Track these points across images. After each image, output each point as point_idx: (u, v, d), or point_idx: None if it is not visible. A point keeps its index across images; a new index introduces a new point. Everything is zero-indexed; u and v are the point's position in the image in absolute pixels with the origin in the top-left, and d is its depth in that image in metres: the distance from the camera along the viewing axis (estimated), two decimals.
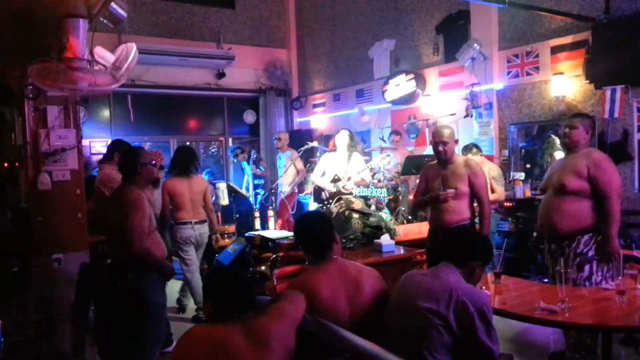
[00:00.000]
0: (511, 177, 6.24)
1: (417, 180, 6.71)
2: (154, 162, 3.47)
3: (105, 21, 3.89)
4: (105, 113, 9.31)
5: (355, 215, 4.64)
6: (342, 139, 6.03)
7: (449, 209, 3.99)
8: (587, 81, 5.64)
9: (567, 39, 5.98)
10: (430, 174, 4.22)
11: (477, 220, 4.13)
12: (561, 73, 5.97)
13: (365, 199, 5.62)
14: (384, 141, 8.09)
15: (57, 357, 3.60)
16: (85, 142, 7.82)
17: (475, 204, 4.11)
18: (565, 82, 5.96)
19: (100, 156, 5.71)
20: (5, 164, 5.34)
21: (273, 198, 7.33)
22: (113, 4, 3.73)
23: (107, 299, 3.37)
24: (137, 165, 3.32)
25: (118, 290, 3.22)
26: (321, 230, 2.66)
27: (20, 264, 4.16)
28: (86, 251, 4.03)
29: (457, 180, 4.00)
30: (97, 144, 8.81)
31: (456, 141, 4.17)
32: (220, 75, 9.75)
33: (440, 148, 4.03)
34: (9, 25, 3.66)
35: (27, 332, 2.92)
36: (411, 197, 7.07)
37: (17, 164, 5.41)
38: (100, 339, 3.45)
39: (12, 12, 3.67)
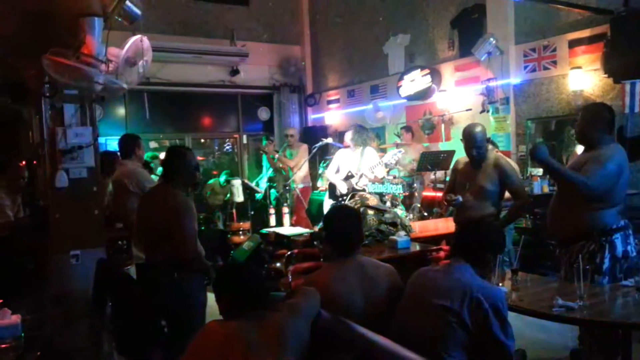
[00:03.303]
0: (528, 173, 6.17)
1: (433, 176, 6.75)
2: (196, 165, 3.40)
3: (120, 19, 3.91)
4: (121, 111, 9.38)
5: (370, 212, 4.62)
6: (348, 136, 5.99)
7: (473, 206, 3.95)
8: (606, 75, 5.55)
9: (585, 33, 5.89)
10: (460, 169, 4.17)
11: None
12: (579, 67, 5.89)
13: (380, 195, 5.59)
14: (399, 137, 8.07)
15: (75, 352, 3.64)
16: (101, 139, 7.88)
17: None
18: (583, 76, 5.88)
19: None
20: (23, 162, 5.40)
21: (287, 195, 7.33)
22: (128, 2, 3.74)
23: (128, 296, 3.39)
24: (182, 167, 3.29)
25: (165, 290, 3.22)
26: (356, 228, 2.65)
27: (38, 260, 4.21)
28: (103, 247, 4.06)
29: (486, 179, 3.94)
30: (113, 142, 8.87)
31: (488, 139, 4.09)
32: (234, 72, 9.77)
33: (475, 153, 3.97)
34: (25, 24, 3.69)
35: (45, 327, 2.95)
36: (424, 193, 7.06)
37: (34, 162, 5.47)
38: (118, 334, 3.48)
39: (29, 11, 3.70)
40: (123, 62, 3.70)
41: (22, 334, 2.60)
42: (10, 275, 3.94)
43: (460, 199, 3.95)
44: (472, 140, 3.95)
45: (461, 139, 4.12)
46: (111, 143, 8.86)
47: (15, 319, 2.65)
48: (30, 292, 3.81)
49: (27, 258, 4.40)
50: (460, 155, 4.41)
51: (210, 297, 3.25)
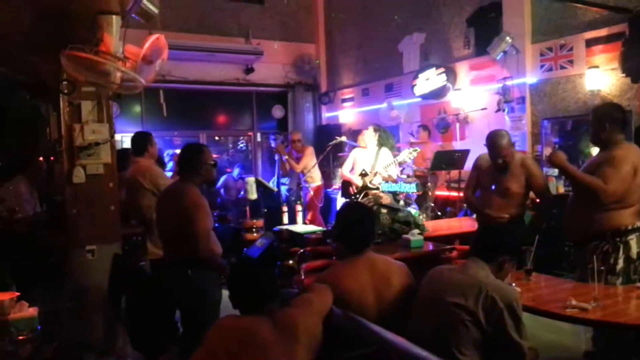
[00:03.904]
0: (544, 173, 6.12)
1: (449, 175, 6.72)
2: (213, 162, 3.42)
3: (137, 17, 3.94)
4: (137, 108, 9.48)
5: (384, 211, 4.61)
6: (369, 136, 5.99)
7: (498, 207, 3.91)
8: (624, 75, 5.48)
9: (602, 32, 5.82)
10: (484, 168, 4.08)
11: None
12: (596, 66, 5.82)
13: (394, 194, 5.58)
14: (414, 136, 8.04)
15: (90, 345, 3.69)
16: (117, 136, 7.97)
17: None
18: (600, 76, 5.81)
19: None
20: (41, 158, 5.48)
21: (301, 193, 7.34)
22: (144, 0, 3.78)
23: (142, 291, 3.43)
24: (200, 164, 3.31)
25: (179, 286, 3.25)
26: (368, 225, 2.66)
27: (56, 254, 4.27)
28: (119, 243, 4.11)
29: (512, 181, 3.88)
30: (129, 139, 8.95)
31: (513, 144, 4.03)
32: (249, 70, 9.82)
33: (500, 161, 3.89)
34: (44, 21, 3.75)
35: (61, 320, 3.00)
36: (438, 192, 7.03)
37: (52, 158, 5.55)
38: (132, 328, 3.52)
39: (47, 8, 3.76)
40: (141, 60, 3.73)
41: (39, 327, 2.64)
42: (27, 269, 4.00)
43: (507, 216, 3.88)
44: (498, 150, 3.87)
45: (484, 144, 4.06)
46: (127, 140, 8.97)
47: (32, 311, 2.70)
48: (46, 286, 3.87)
49: (45, 252, 4.46)
50: (476, 154, 4.37)
51: (225, 294, 3.33)
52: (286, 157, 7.55)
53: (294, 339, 1.99)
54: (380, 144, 5.95)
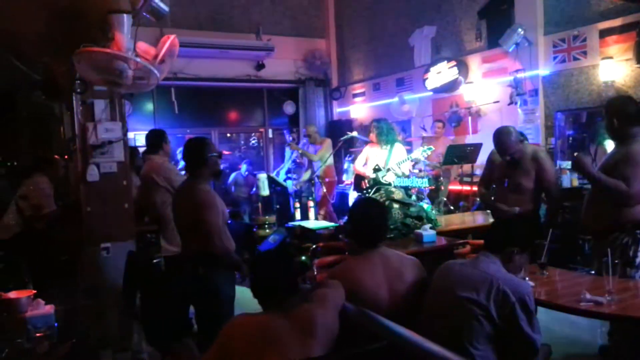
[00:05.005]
0: (558, 166, 6.06)
1: (461, 169, 6.68)
2: (217, 153, 3.43)
3: (147, 16, 3.96)
4: (149, 106, 9.53)
5: (396, 206, 4.60)
6: (374, 138, 5.94)
7: (512, 202, 3.90)
8: (638, 65, 5.41)
9: (616, 22, 5.74)
10: (498, 162, 4.08)
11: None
12: (610, 57, 5.75)
13: (406, 189, 5.56)
14: (425, 130, 8.00)
15: (105, 342, 3.73)
16: (130, 134, 8.04)
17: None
18: (614, 67, 5.74)
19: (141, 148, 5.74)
20: (56, 157, 5.54)
21: (313, 189, 7.35)
22: None
23: (156, 288, 3.47)
24: (205, 157, 3.32)
25: (192, 283, 3.28)
26: (381, 220, 2.66)
27: (71, 252, 4.32)
28: (133, 240, 4.14)
29: (523, 175, 3.87)
30: (142, 137, 9.02)
31: (522, 140, 4.01)
32: (260, 66, 9.82)
33: (508, 157, 3.88)
34: (55, 22, 3.78)
35: (77, 318, 3.04)
36: (451, 187, 6.99)
37: (66, 157, 5.61)
38: (146, 325, 3.56)
39: (59, 8, 3.79)
40: (157, 63, 3.75)
41: (56, 324, 2.67)
42: (43, 267, 4.05)
43: (517, 209, 3.88)
44: (504, 147, 3.86)
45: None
46: (140, 138, 9.03)
47: (49, 309, 2.74)
48: (62, 283, 3.91)
49: (60, 250, 4.52)
50: (489, 148, 4.34)
51: (239, 291, 3.38)
52: (300, 151, 7.58)
53: (311, 334, 1.99)
54: (390, 141, 5.89)
